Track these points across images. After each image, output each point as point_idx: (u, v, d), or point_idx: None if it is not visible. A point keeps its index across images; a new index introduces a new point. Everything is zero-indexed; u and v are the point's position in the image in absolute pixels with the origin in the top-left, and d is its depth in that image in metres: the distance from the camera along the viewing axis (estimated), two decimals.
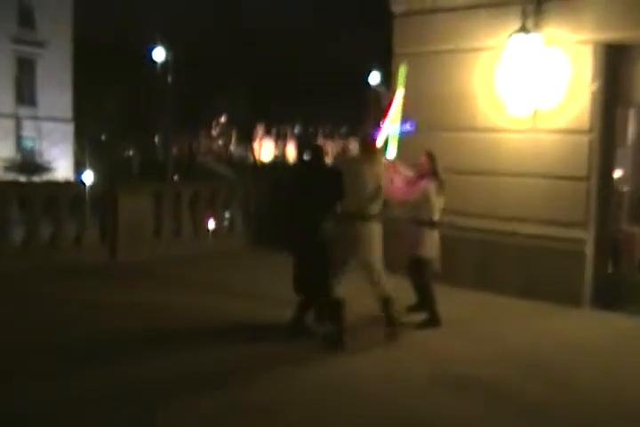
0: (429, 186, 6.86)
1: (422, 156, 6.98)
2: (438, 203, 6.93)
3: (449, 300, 7.64)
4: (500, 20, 8.41)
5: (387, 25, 9.95)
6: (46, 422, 4.43)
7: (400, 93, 7.31)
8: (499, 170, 8.64)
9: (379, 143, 6.70)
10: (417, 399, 5.00)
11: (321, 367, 5.61)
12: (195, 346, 5.98)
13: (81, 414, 4.52)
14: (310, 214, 6.21)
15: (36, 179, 35.56)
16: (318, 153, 6.55)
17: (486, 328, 7.00)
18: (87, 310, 7.03)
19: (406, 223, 7.01)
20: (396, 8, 9.61)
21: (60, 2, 41.37)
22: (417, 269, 6.93)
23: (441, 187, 6.93)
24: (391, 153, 6.86)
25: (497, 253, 8.50)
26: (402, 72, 7.59)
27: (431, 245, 6.90)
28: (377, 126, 7.42)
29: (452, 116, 8.98)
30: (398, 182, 6.84)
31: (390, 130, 7.07)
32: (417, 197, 6.86)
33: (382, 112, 7.61)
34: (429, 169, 6.90)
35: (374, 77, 37.39)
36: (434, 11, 9.14)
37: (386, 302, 6.31)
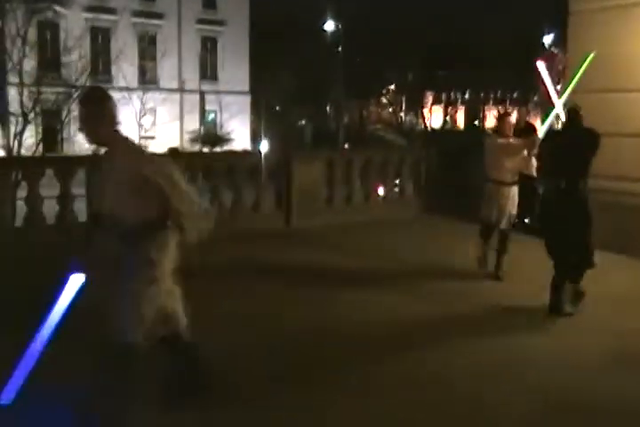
0: None
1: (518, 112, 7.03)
2: None
3: (626, 272, 7.20)
4: None
5: None
6: None
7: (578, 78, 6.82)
8: None
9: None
10: (591, 381, 4.63)
11: (492, 344, 5.44)
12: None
13: None
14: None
15: (217, 149, 37.42)
16: (574, 115, 6.17)
17: None
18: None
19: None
20: None
21: None
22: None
23: None
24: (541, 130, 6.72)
25: None
26: (588, 59, 6.88)
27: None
28: (550, 90, 7.05)
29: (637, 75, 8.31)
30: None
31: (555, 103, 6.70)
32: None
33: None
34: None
35: (548, 39, 35.48)
36: None
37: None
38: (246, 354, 4.95)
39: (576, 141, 5.97)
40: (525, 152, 6.82)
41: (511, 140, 7.01)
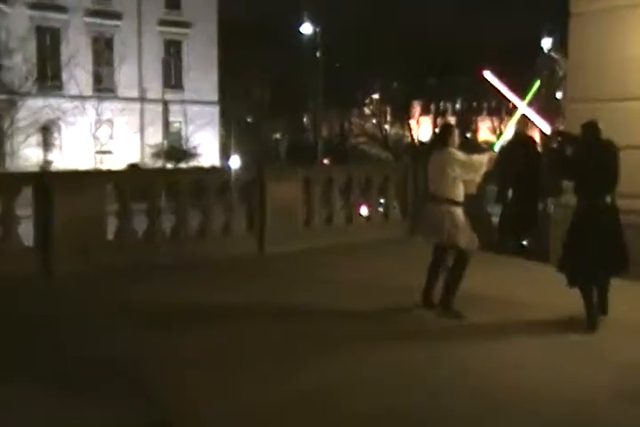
0: None
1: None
2: None
3: (632, 297, 7.30)
4: None
5: None
6: None
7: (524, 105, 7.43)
8: None
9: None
10: (594, 413, 4.72)
11: (477, 375, 5.46)
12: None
13: None
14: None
15: (182, 165, 37.40)
16: (594, 129, 6.52)
17: None
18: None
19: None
20: None
21: None
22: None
23: None
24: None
25: None
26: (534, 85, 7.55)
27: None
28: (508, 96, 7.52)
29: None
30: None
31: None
32: None
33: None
34: None
35: (547, 42, 36.08)
36: None
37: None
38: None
39: (605, 155, 6.47)
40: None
41: (460, 154, 6.97)
